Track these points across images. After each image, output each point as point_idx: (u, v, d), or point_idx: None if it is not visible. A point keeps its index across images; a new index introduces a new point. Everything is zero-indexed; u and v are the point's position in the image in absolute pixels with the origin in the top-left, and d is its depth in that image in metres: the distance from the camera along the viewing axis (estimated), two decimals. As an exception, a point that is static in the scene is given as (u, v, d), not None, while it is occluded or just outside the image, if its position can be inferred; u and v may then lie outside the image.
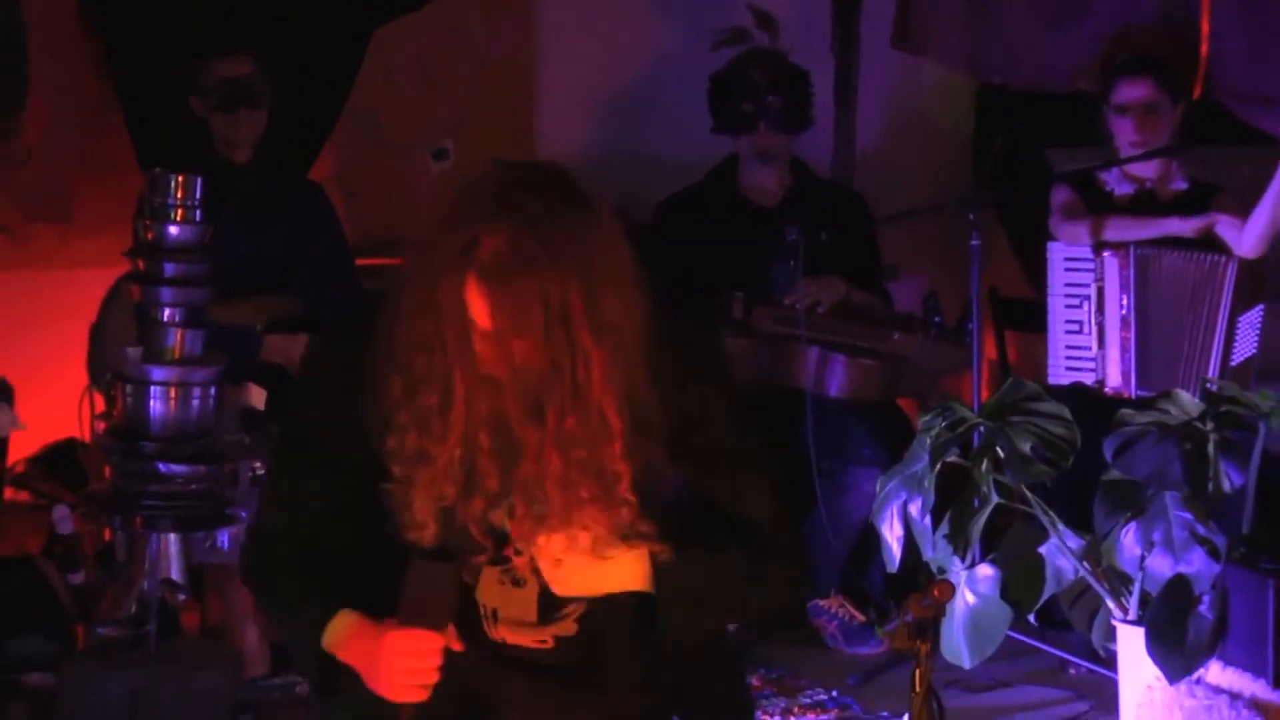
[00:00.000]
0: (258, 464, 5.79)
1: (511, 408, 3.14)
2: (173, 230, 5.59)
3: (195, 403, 5.63)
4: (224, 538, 5.79)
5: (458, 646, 3.23)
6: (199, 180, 5.62)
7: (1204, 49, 6.54)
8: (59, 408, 6.20)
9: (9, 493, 6.60)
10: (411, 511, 3.21)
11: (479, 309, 3.12)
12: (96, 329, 6.38)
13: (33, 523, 6.47)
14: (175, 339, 5.61)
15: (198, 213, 5.61)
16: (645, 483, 3.21)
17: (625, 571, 3.27)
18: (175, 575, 5.73)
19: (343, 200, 7.03)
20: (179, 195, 5.60)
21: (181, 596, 5.80)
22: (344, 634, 3.29)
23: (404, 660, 3.21)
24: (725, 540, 3.33)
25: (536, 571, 3.30)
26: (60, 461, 6.51)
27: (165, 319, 5.61)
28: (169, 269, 5.60)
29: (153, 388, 5.60)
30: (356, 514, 3.29)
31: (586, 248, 3.17)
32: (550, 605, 3.34)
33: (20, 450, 6.60)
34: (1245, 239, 6.36)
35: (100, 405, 5.90)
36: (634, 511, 3.20)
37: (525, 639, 3.37)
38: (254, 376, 6.20)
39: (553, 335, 3.10)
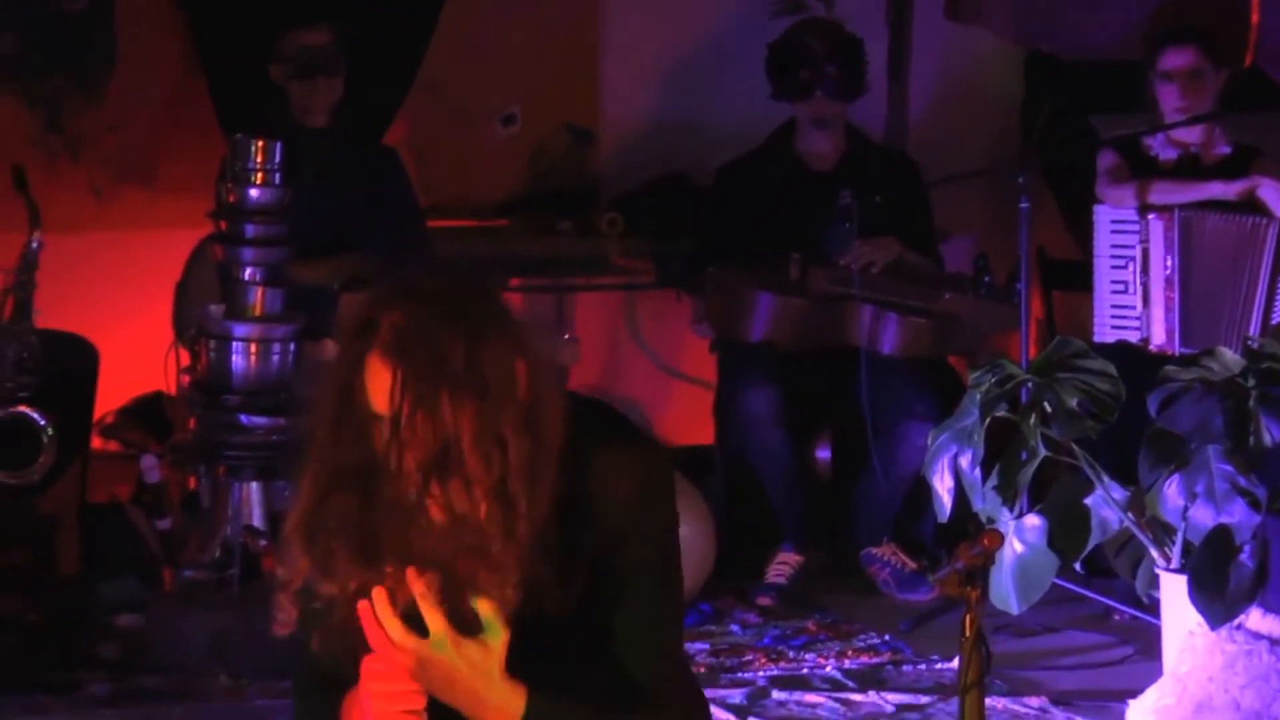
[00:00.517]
0: (335, 416, 5.80)
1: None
2: (253, 193, 5.62)
3: (275, 358, 5.67)
4: (303, 487, 5.81)
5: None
6: (278, 145, 5.65)
7: (1255, 17, 6.51)
8: (146, 362, 6.23)
9: (99, 442, 6.64)
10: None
11: (379, 388, 2.93)
12: (181, 287, 6.41)
13: (122, 471, 6.51)
14: (256, 297, 5.64)
15: (277, 176, 5.64)
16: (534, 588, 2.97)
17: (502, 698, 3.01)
18: (257, 522, 5.77)
19: (415, 165, 7.04)
20: (259, 160, 5.63)
21: (263, 542, 5.82)
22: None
23: (381, 684, 2.97)
24: (608, 701, 3.07)
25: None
26: (147, 413, 6.54)
27: (246, 278, 5.64)
28: (250, 230, 5.63)
29: (235, 343, 5.63)
30: None
31: (476, 321, 2.96)
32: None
33: (110, 402, 6.64)
34: (1288, 200, 6.36)
35: (185, 360, 5.94)
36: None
37: None
38: (331, 333, 6.22)
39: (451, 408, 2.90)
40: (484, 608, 2.94)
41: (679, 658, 3.20)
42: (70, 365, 6.14)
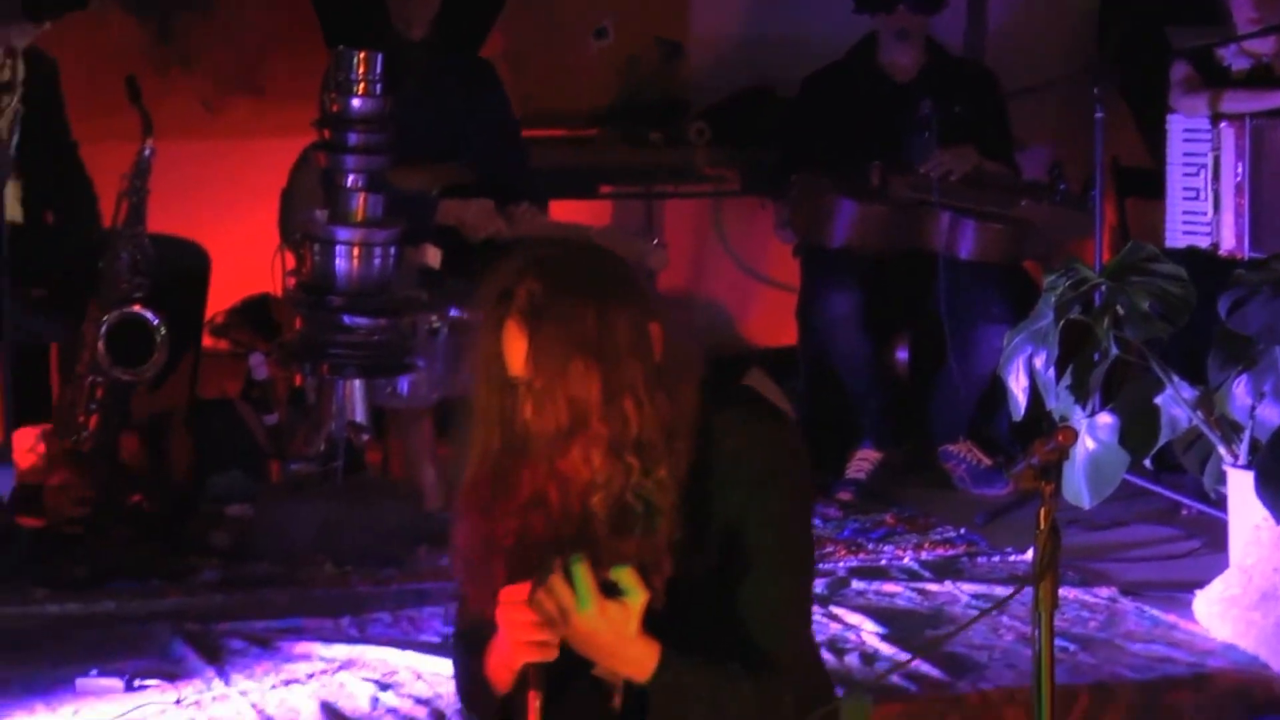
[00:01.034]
0: (434, 318, 5.83)
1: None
2: (355, 103, 5.63)
3: (376, 261, 5.68)
4: (403, 384, 5.84)
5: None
6: (379, 57, 5.65)
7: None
8: (254, 265, 6.26)
9: (209, 342, 6.69)
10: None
11: (515, 353, 2.95)
12: (286, 194, 6.42)
13: (231, 369, 6.55)
14: (358, 203, 5.66)
15: (378, 87, 5.64)
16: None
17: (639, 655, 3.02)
18: (360, 417, 5.79)
19: (511, 76, 7.03)
20: (361, 71, 5.63)
21: (365, 437, 5.86)
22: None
23: (517, 613, 2.94)
24: (735, 663, 3.05)
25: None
26: (255, 314, 6.58)
27: (349, 184, 5.65)
28: (352, 138, 5.64)
29: (338, 247, 5.65)
30: None
31: (609, 292, 2.96)
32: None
33: (219, 303, 6.68)
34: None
35: (291, 263, 5.96)
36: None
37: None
38: (430, 238, 6.24)
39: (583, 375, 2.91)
40: (626, 576, 2.94)
41: (802, 633, 3.18)
42: (183, 268, 6.18)
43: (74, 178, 6.20)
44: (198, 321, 6.34)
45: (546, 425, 2.93)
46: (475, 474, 3.03)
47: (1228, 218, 6.31)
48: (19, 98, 6.08)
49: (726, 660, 3.04)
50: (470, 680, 3.10)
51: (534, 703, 2.92)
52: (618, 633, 2.94)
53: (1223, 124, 6.31)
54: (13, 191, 6.01)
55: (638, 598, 2.94)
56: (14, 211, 6.04)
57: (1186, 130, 6.44)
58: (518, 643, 2.93)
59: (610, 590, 2.94)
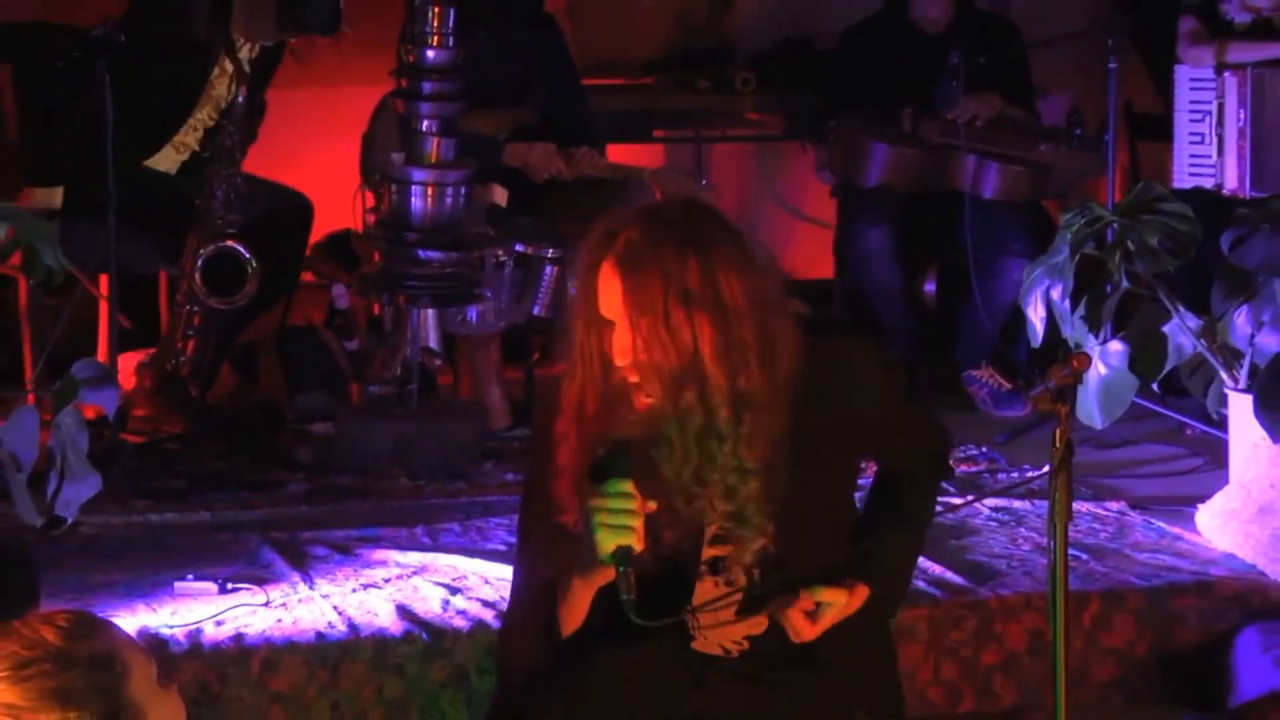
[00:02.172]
0: (500, 252, 5.81)
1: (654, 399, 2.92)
2: (430, 53, 5.60)
3: (448, 200, 5.66)
4: (472, 313, 5.84)
5: (651, 506, 2.94)
6: (452, 10, 5.61)
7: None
8: (336, 203, 6.25)
9: (295, 274, 6.69)
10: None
11: (608, 296, 2.91)
12: (367, 138, 6.41)
13: (316, 299, 6.55)
14: (432, 146, 5.63)
15: (451, 39, 5.61)
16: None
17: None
18: (433, 343, 5.79)
19: (572, 29, 6.99)
20: (435, 24, 5.60)
21: (437, 361, 5.86)
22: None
23: (605, 509, 2.90)
24: (898, 492, 3.21)
25: (750, 573, 3.07)
26: (338, 248, 6.57)
27: (424, 129, 5.63)
28: (427, 87, 5.61)
29: (413, 187, 5.63)
30: None
31: (708, 243, 2.91)
32: (751, 604, 3.10)
33: (305, 239, 6.67)
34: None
35: (370, 201, 5.95)
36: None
37: (723, 640, 3.13)
38: (497, 178, 6.22)
39: (672, 314, 2.86)
40: (822, 594, 3.04)
41: (939, 425, 3.33)
42: (288, 214, 6.17)
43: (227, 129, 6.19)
44: (298, 262, 6.34)
45: (654, 367, 2.89)
46: (572, 402, 2.99)
47: (1230, 160, 6.27)
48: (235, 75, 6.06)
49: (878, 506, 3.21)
50: (537, 625, 3.04)
51: (630, 579, 2.88)
52: (835, 611, 3.05)
53: (1226, 73, 6.27)
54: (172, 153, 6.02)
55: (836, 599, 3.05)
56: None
57: (1193, 79, 6.40)
58: (611, 530, 2.88)
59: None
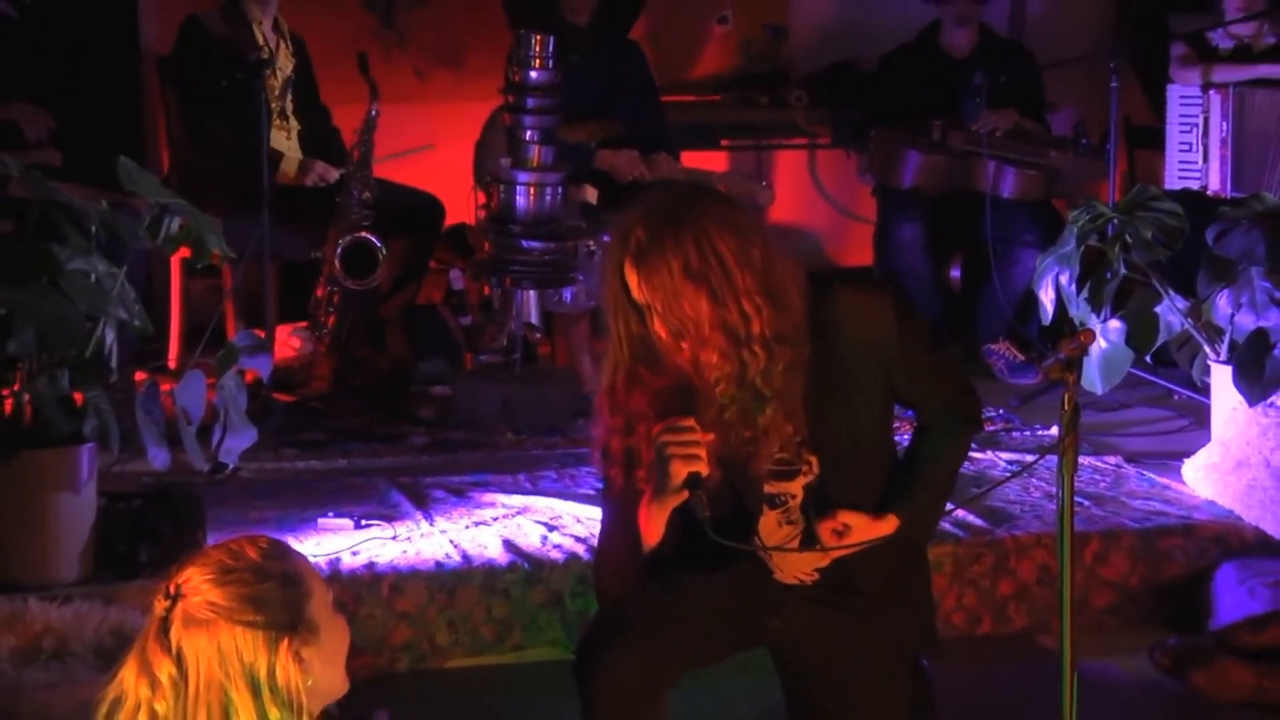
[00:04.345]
0: (590, 243, 5.81)
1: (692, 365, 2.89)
2: (533, 74, 5.59)
3: (548, 198, 5.65)
4: (567, 294, 5.83)
5: (710, 436, 2.91)
6: (551, 38, 5.61)
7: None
8: (453, 200, 6.26)
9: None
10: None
11: (633, 286, 2.88)
12: (480, 145, 6.41)
13: (436, 281, 6.57)
14: (534, 152, 5.63)
15: (550, 61, 5.60)
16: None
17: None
18: (534, 319, 5.79)
19: (652, 53, 6.96)
20: (537, 49, 5.59)
21: (538, 335, 5.86)
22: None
23: (671, 436, 2.89)
24: (932, 438, 3.13)
25: (805, 508, 3.04)
26: (455, 238, 6.58)
27: (527, 138, 5.62)
28: (530, 102, 5.61)
29: (518, 187, 5.62)
30: None
31: (700, 217, 2.87)
32: (809, 537, 3.06)
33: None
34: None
35: (482, 199, 5.95)
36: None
37: (797, 572, 3.11)
38: (589, 179, 6.21)
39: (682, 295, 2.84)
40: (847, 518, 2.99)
41: (966, 378, 3.22)
42: (424, 212, 6.17)
43: (329, 131, 6.21)
44: (428, 251, 6.34)
45: (684, 331, 2.87)
46: (608, 379, 2.99)
47: (1214, 165, 6.21)
48: (293, 68, 6.10)
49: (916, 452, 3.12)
50: (623, 534, 3.01)
51: (703, 499, 2.88)
52: (868, 536, 3.00)
53: (1211, 91, 6.21)
54: (282, 138, 6.04)
55: (858, 522, 2.99)
56: (293, 153, 6.07)
57: (1182, 96, 6.34)
58: (678, 458, 2.87)
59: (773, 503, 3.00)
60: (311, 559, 4.14)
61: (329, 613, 2.35)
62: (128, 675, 2.27)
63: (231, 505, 4.62)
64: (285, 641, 2.26)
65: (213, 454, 4.21)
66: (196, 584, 2.26)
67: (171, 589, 2.27)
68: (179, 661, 2.24)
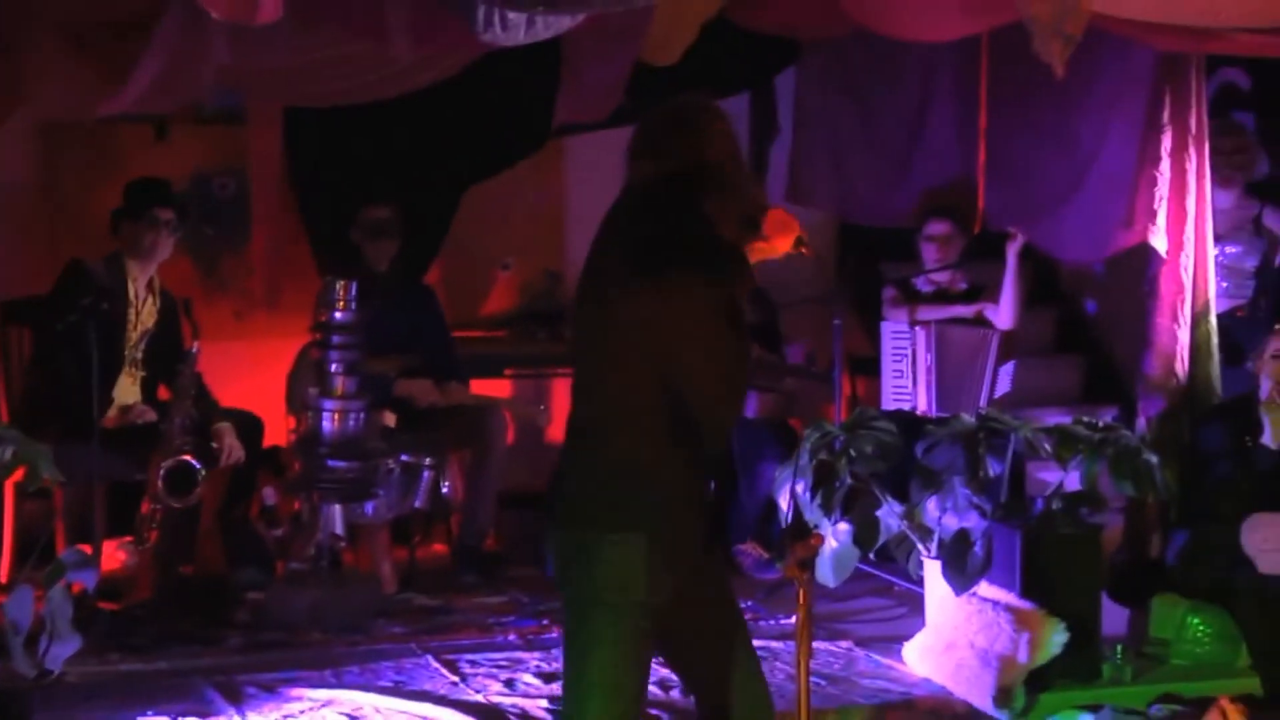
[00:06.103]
0: (389, 461, 5.77)
1: None
2: (338, 315, 5.59)
3: (351, 422, 5.63)
4: (369, 507, 5.78)
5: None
6: (354, 284, 5.63)
7: (980, 202, 6.54)
8: (269, 426, 6.17)
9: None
10: None
11: None
12: (291, 376, 6.36)
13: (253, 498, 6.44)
14: (339, 383, 5.61)
15: (354, 304, 5.61)
16: None
17: None
18: (338, 530, 5.71)
19: (445, 294, 7.00)
20: (342, 293, 5.61)
21: (342, 544, 5.77)
22: None
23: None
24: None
25: None
26: (269, 459, 6.48)
27: (333, 370, 5.61)
28: (336, 339, 5.60)
29: (325, 413, 5.59)
30: None
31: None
32: None
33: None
34: (1001, 318, 6.38)
35: (293, 424, 5.89)
36: None
37: None
38: (388, 406, 6.18)
39: None
40: None
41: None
42: (246, 431, 6.03)
43: (190, 376, 6.01)
44: (253, 470, 6.19)
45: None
46: None
47: (922, 389, 6.38)
48: (154, 323, 5.94)
49: None
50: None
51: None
52: None
53: (917, 328, 6.41)
54: (128, 383, 5.89)
55: None
56: (133, 398, 5.89)
57: (894, 332, 6.52)
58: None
59: None
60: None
61: None
62: None
63: (58, 708, 4.45)
64: None
65: (39, 661, 4.05)
66: None
67: None
68: None
